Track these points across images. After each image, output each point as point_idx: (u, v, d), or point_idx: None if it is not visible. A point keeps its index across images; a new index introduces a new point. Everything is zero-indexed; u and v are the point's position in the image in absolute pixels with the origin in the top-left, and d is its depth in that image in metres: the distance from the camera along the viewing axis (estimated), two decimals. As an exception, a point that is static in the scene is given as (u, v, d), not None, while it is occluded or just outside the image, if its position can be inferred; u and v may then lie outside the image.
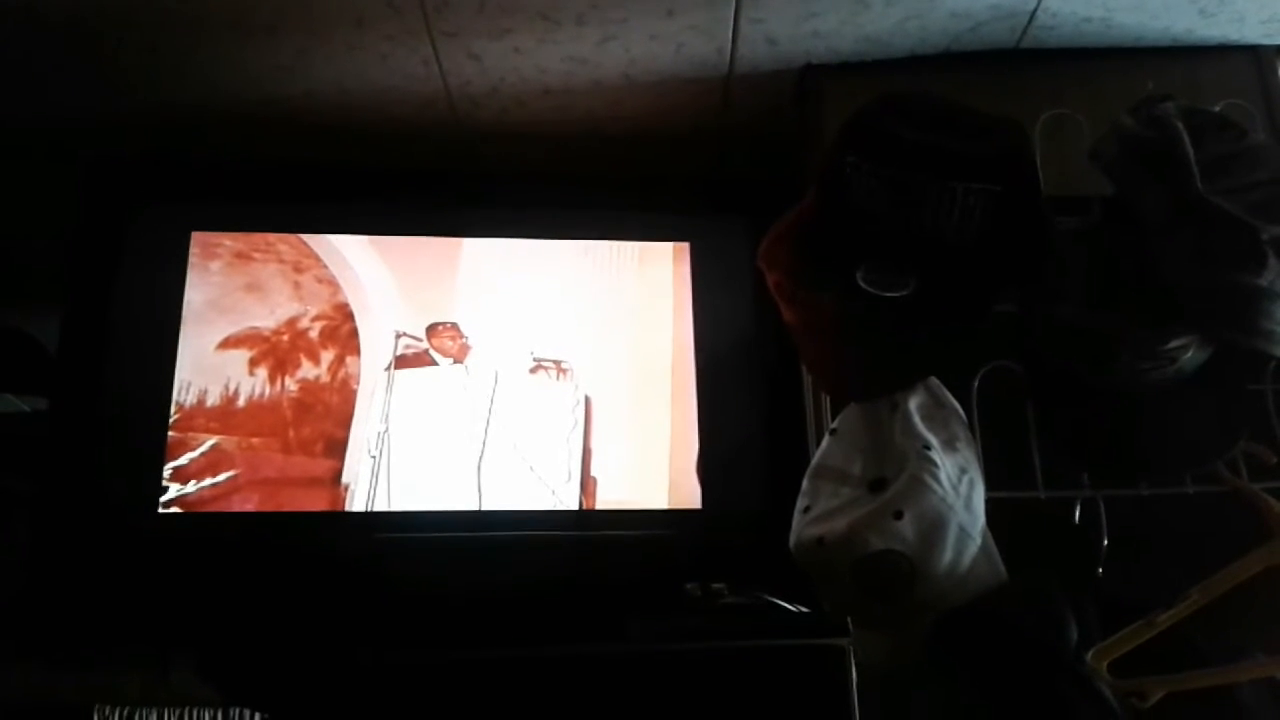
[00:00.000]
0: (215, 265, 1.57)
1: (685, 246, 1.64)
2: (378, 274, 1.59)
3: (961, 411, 1.16)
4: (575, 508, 1.50)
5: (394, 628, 1.09)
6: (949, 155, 1.09)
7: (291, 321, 1.55)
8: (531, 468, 1.51)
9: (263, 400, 1.51)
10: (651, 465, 1.53)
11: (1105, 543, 1.14)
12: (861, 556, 1.03)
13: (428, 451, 1.51)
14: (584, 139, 1.70)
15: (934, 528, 1.03)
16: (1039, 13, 1.43)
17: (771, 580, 1.15)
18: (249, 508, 1.46)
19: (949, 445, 1.10)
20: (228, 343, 1.53)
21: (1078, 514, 1.16)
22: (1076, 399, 1.15)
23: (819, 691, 0.96)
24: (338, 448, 1.49)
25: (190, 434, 1.48)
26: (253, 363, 1.52)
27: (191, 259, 1.56)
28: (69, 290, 1.55)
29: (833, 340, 1.19)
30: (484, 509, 1.48)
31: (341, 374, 1.53)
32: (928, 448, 1.08)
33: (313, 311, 1.56)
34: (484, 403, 1.53)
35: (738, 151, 1.73)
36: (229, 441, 1.48)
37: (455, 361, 1.56)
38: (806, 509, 1.13)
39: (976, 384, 1.18)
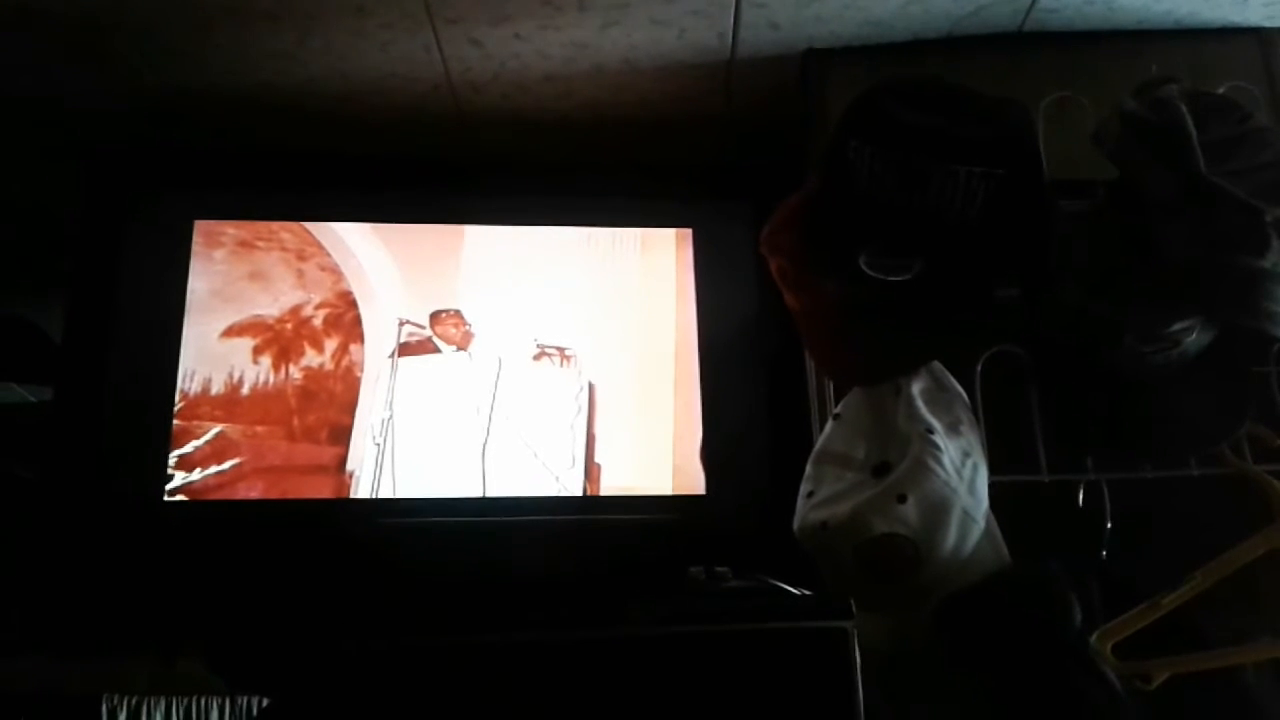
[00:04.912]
0: (219, 254, 1.57)
1: (688, 233, 1.64)
2: (380, 261, 1.59)
3: (965, 395, 1.16)
4: (579, 493, 1.50)
5: (400, 613, 1.10)
6: (952, 139, 1.09)
7: (295, 309, 1.55)
8: (535, 454, 1.51)
9: (267, 388, 1.51)
10: (655, 451, 1.53)
11: (1109, 525, 1.15)
12: (865, 540, 1.03)
13: (432, 438, 1.51)
14: (586, 125, 1.69)
15: (938, 511, 1.04)
16: (1042, -5, 1.43)
17: (775, 564, 1.15)
18: (254, 495, 1.46)
19: (952, 429, 1.11)
20: (232, 331, 1.53)
21: (1081, 497, 1.16)
22: (1080, 382, 1.15)
23: (823, 674, 0.96)
24: (342, 435, 1.50)
25: (195, 422, 1.48)
26: (257, 351, 1.52)
27: (195, 247, 1.56)
28: (73, 279, 1.56)
29: (836, 325, 1.19)
30: (488, 495, 1.48)
31: (345, 361, 1.53)
32: (931, 432, 1.08)
33: (316, 299, 1.56)
34: (488, 389, 1.54)
35: (740, 137, 1.73)
36: (234, 429, 1.48)
37: (459, 348, 1.56)
38: (810, 493, 1.13)
39: (980, 368, 1.18)
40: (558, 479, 1.50)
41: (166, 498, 1.45)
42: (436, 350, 1.56)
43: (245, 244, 1.58)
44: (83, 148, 1.64)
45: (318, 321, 1.55)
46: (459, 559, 1.41)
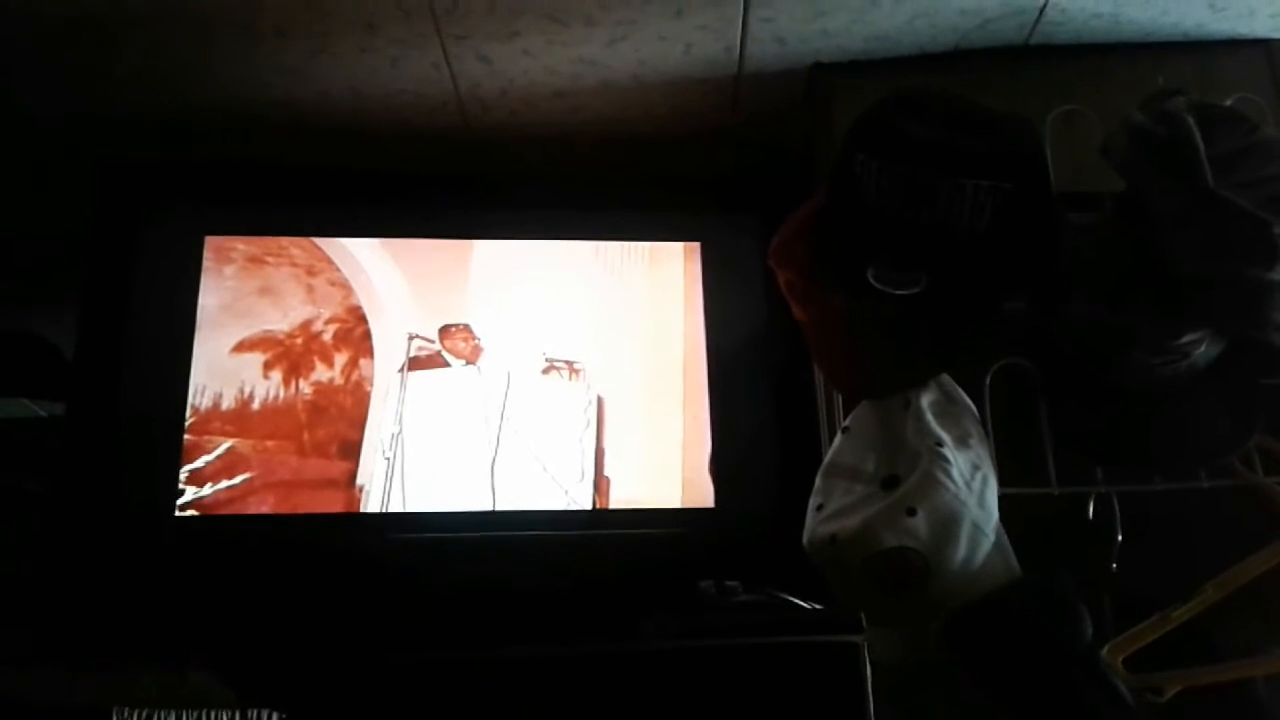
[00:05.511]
0: (229, 269, 1.58)
1: (696, 246, 1.64)
2: (390, 276, 1.60)
3: (974, 408, 1.16)
4: (589, 507, 1.50)
5: (410, 627, 1.10)
6: (959, 152, 1.09)
7: (305, 324, 1.56)
8: (545, 468, 1.51)
9: (277, 403, 1.51)
10: (664, 464, 1.53)
11: (1119, 538, 1.15)
12: (874, 553, 1.03)
13: (441, 453, 1.51)
14: (593, 140, 1.70)
15: (947, 524, 1.04)
16: (1048, 9, 1.43)
17: (785, 578, 1.15)
18: (265, 510, 1.47)
19: (961, 442, 1.11)
20: (242, 346, 1.54)
21: (1091, 510, 1.16)
22: (1089, 395, 1.15)
23: (834, 688, 0.96)
24: (352, 449, 1.50)
25: (206, 437, 1.49)
26: (267, 366, 1.53)
27: (205, 263, 1.57)
28: (84, 294, 1.56)
29: (844, 338, 1.19)
30: (498, 509, 1.49)
31: (355, 376, 1.54)
32: (940, 445, 1.08)
33: (326, 314, 1.57)
34: (497, 404, 1.54)
35: (747, 151, 1.73)
36: (244, 444, 1.49)
37: (468, 363, 1.57)
38: (820, 507, 1.13)
39: (988, 381, 1.18)
40: (567, 493, 1.50)
41: (177, 512, 1.45)
42: (446, 365, 1.56)
43: (255, 259, 1.59)
44: (92, 162, 1.64)
45: (327, 336, 1.56)
46: (468, 573, 1.41)
